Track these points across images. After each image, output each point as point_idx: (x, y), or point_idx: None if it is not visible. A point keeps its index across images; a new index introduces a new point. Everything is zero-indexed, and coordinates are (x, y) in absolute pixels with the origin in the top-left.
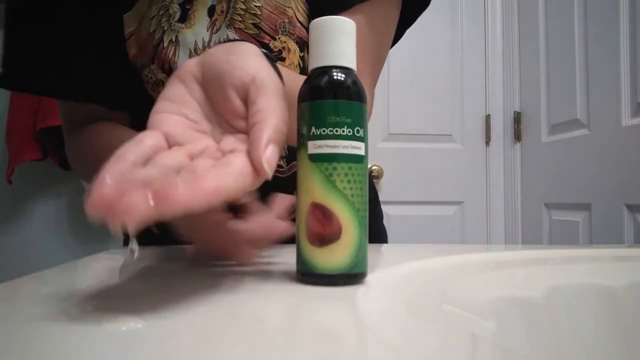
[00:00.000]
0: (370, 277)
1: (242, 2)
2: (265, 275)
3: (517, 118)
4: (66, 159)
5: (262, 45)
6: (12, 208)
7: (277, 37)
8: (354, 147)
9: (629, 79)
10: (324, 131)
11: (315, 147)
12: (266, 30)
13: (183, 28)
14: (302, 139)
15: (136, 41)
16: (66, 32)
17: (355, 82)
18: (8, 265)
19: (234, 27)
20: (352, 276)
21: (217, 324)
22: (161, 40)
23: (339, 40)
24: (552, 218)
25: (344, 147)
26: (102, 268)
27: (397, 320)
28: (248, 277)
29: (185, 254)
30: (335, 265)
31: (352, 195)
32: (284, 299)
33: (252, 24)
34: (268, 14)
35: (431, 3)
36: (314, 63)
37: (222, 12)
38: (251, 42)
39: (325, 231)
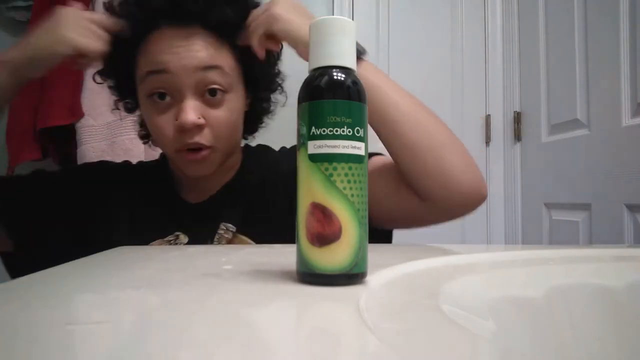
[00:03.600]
0: (370, 277)
1: None
2: (266, 275)
3: (517, 118)
4: (66, 159)
5: None
6: None
7: None
8: (354, 147)
9: (629, 79)
10: (323, 131)
11: (315, 147)
12: None
13: None
14: (302, 139)
15: None
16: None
17: (355, 82)
18: None
19: None
20: (352, 276)
21: (217, 324)
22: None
23: (339, 40)
24: (552, 218)
25: (344, 147)
26: (102, 268)
27: (397, 320)
28: (248, 277)
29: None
30: (335, 265)
31: (352, 195)
32: (284, 299)
33: None
34: None
35: (431, 3)
36: (314, 63)
37: None
38: None
39: (325, 231)
